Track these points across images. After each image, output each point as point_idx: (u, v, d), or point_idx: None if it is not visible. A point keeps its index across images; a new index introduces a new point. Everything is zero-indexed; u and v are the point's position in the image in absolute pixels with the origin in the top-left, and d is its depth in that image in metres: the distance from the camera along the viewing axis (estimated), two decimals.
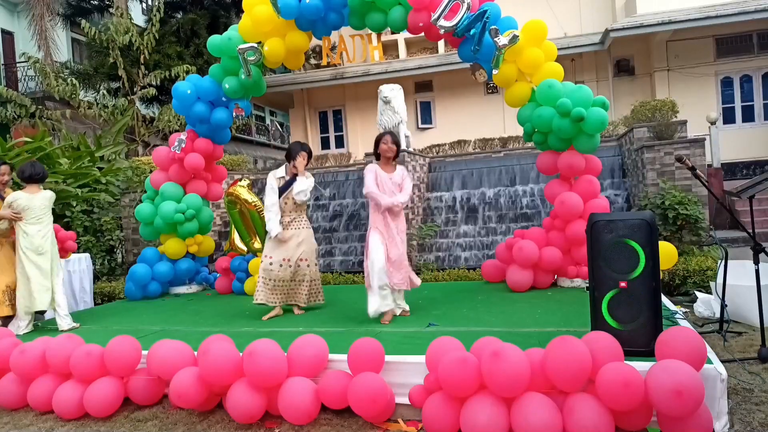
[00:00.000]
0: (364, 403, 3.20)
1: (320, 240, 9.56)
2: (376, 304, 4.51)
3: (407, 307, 4.83)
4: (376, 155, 4.80)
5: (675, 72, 13.38)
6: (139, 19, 16.96)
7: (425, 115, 15.53)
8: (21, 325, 5.09)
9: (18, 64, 15.89)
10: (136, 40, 12.68)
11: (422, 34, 5.68)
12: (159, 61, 13.60)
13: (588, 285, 3.41)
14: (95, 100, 13.30)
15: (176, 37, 14.38)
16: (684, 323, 3.87)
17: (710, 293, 5.43)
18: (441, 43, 14.89)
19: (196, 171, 6.95)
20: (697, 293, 5.64)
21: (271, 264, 5.07)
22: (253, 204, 6.44)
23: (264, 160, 18.83)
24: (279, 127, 23.83)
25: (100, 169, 10.42)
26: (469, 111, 14.84)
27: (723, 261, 4.55)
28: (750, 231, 4.10)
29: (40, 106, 12.82)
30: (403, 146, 9.96)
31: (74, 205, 8.97)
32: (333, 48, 6.95)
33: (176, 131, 11.70)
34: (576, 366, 2.82)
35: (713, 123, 10.36)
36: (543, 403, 2.83)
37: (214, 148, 6.98)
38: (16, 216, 5.02)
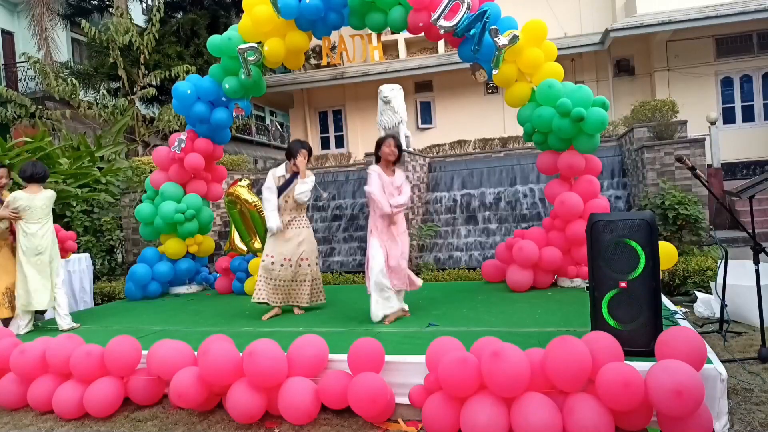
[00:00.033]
0: (364, 403, 3.20)
1: (320, 240, 9.56)
2: (379, 309, 4.53)
3: (407, 307, 4.83)
4: (377, 158, 4.76)
5: (675, 72, 13.38)
6: (139, 19, 16.97)
7: (425, 115, 15.53)
8: (21, 324, 5.09)
9: (18, 64, 15.89)
10: (136, 40, 12.68)
11: (422, 34, 5.68)
12: (159, 61, 13.60)
13: (588, 285, 3.41)
14: (95, 100, 13.30)
15: (176, 37, 14.38)
16: (684, 323, 3.87)
17: (710, 293, 5.42)
18: (441, 43, 14.89)
19: (196, 171, 6.95)
20: (697, 293, 5.64)
21: (273, 263, 5.07)
22: (253, 204, 6.44)
23: (264, 160, 18.83)
24: (279, 127, 23.83)
25: (100, 169, 10.42)
26: (469, 111, 14.85)
27: (723, 261, 4.55)
28: (750, 231, 4.10)
29: (40, 106, 12.82)
30: (403, 146, 9.97)
31: (74, 205, 8.97)
32: (333, 48, 6.96)
33: (176, 131, 11.70)
34: (576, 366, 2.82)
35: (713, 123, 10.37)
36: (543, 403, 2.83)
37: (214, 148, 6.98)
38: (15, 215, 5.02)
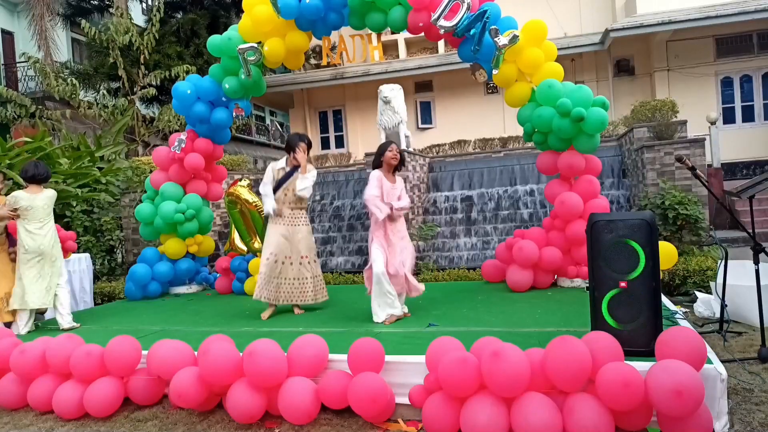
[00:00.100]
0: (364, 403, 3.20)
1: (320, 240, 9.57)
2: (381, 314, 4.53)
3: (407, 309, 4.82)
4: (379, 163, 4.72)
5: (675, 72, 13.38)
6: (139, 19, 16.96)
7: (425, 115, 15.53)
8: (21, 324, 5.09)
9: (18, 64, 15.89)
10: (136, 40, 12.68)
11: (422, 34, 5.68)
12: (159, 61, 13.60)
13: (588, 285, 3.41)
14: (95, 100, 13.30)
15: (176, 37, 14.38)
16: (684, 323, 3.87)
17: (710, 293, 5.42)
18: (441, 43, 14.89)
19: (196, 171, 6.95)
20: (697, 293, 5.64)
21: (275, 262, 5.06)
22: (253, 204, 6.44)
23: (264, 160, 18.81)
24: (279, 127, 23.81)
25: (100, 169, 10.42)
26: (469, 111, 14.85)
27: (723, 261, 4.55)
28: (750, 231, 4.10)
29: (40, 106, 12.82)
30: (403, 146, 9.97)
31: (74, 205, 8.97)
32: (333, 48, 6.97)
33: (176, 131, 11.70)
34: (576, 366, 2.82)
35: (713, 123, 10.37)
36: (543, 403, 2.83)
37: (214, 148, 6.98)
38: (14, 214, 5.03)
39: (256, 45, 5.87)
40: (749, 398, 3.30)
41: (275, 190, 5.13)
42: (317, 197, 10.75)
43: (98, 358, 3.75)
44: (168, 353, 3.65)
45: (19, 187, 5.39)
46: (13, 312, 5.14)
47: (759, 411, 3.12)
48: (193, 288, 7.25)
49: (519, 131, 7.81)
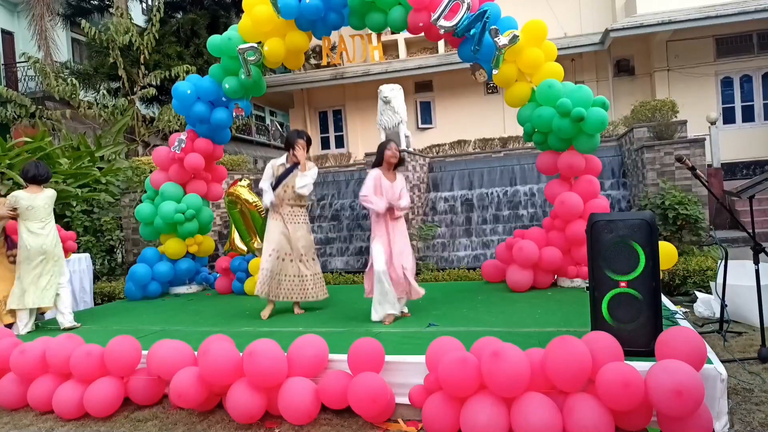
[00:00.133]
0: (364, 403, 3.20)
1: (320, 240, 9.57)
2: (379, 312, 4.53)
3: (406, 309, 4.83)
4: (378, 162, 4.75)
5: (675, 72, 13.38)
6: (139, 19, 16.96)
7: (425, 115, 15.53)
8: (21, 324, 5.09)
9: (18, 64, 15.89)
10: (136, 40, 12.67)
11: (422, 34, 5.68)
12: (159, 61, 13.60)
13: (588, 285, 3.41)
14: (95, 100, 13.30)
15: (176, 37, 14.38)
16: (684, 323, 3.87)
17: (710, 293, 5.42)
18: (441, 43, 14.89)
19: (196, 171, 6.95)
20: (697, 293, 5.64)
21: (277, 258, 5.06)
22: (253, 204, 6.44)
23: (264, 160, 18.80)
24: (279, 127, 23.81)
25: (100, 169, 10.42)
26: (469, 111, 14.85)
27: (723, 261, 4.55)
28: (750, 231, 4.10)
29: (40, 106, 12.82)
30: (403, 146, 9.97)
31: (74, 205, 8.98)
32: (333, 48, 6.98)
33: (176, 131, 11.70)
34: (576, 366, 2.82)
35: (713, 123, 10.37)
36: (543, 403, 2.83)
37: (214, 148, 6.98)
38: (13, 214, 5.03)
39: (256, 45, 5.87)
40: (749, 398, 3.30)
41: (275, 186, 5.14)
42: (317, 198, 10.74)
43: (98, 358, 3.75)
44: (168, 353, 3.65)
45: (20, 187, 5.39)
46: (14, 313, 5.14)
47: (759, 411, 3.12)
48: (193, 288, 7.25)
49: (519, 131, 7.81)
